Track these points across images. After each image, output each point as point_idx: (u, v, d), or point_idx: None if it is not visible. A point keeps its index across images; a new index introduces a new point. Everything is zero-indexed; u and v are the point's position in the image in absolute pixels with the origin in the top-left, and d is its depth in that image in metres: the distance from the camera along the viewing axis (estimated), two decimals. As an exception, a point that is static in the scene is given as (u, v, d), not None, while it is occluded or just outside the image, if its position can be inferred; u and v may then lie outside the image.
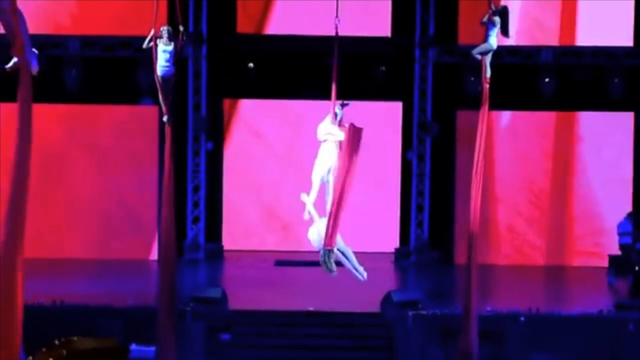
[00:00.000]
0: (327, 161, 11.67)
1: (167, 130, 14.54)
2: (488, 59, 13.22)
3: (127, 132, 21.94)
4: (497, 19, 12.93)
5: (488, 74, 13.27)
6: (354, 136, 11.64)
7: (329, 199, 11.62)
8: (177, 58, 13.87)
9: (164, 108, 14.17)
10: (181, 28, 13.82)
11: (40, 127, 21.40)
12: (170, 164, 14.68)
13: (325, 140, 11.78)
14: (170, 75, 13.86)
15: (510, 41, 16.13)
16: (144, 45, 13.79)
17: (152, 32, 13.64)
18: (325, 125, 11.80)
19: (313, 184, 11.66)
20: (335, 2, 12.35)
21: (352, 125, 11.66)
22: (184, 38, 13.95)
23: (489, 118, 13.59)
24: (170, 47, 13.74)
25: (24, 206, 11.00)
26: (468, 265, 13.58)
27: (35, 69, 11.00)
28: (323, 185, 11.74)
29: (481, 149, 13.40)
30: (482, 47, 13.07)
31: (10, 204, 10.85)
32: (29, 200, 10.79)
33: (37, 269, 19.30)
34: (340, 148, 11.70)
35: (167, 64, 13.83)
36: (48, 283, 18.15)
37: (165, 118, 14.31)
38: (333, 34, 12.46)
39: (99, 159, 21.94)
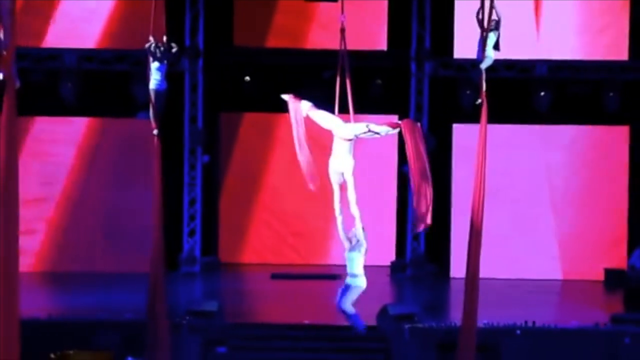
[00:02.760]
0: (343, 159, 11.78)
1: (156, 144, 14.54)
2: (484, 73, 13.31)
3: (125, 146, 21.94)
4: (495, 32, 13.04)
5: (484, 87, 13.37)
6: (416, 129, 11.92)
7: (352, 198, 11.81)
8: (167, 72, 13.93)
9: (153, 122, 14.17)
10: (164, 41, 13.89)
11: (40, 139, 21.71)
12: (159, 177, 14.66)
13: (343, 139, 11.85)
14: (163, 90, 13.92)
15: (506, 55, 16.15)
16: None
17: (148, 46, 13.72)
18: (361, 125, 11.88)
19: (333, 184, 11.81)
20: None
21: (410, 121, 11.89)
22: (172, 52, 13.98)
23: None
24: (163, 62, 13.81)
25: (15, 215, 11.04)
26: (469, 278, 13.56)
27: (17, 84, 11.20)
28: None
29: (482, 162, 13.42)
30: (487, 61, 13.17)
31: (2, 214, 10.89)
32: (24, 213, 10.83)
33: (33, 282, 19.33)
34: (410, 144, 11.87)
35: (160, 78, 13.89)
36: (44, 297, 18.14)
37: (155, 132, 14.32)
38: (331, 47, 12.57)
39: (96, 173, 21.94)
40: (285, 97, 12.35)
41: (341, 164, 11.86)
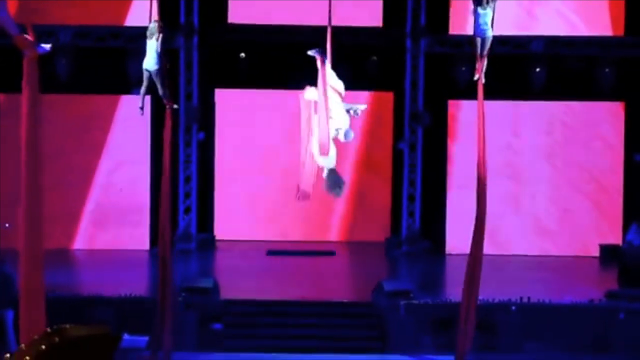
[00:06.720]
0: (342, 117, 11.79)
1: (169, 119, 14.74)
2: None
3: (118, 122, 21.90)
4: (491, 7, 13.01)
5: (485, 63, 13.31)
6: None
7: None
8: (161, 51, 13.95)
9: (167, 97, 14.31)
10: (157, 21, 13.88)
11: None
12: (169, 154, 14.81)
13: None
14: (156, 69, 14.00)
15: (502, 31, 16.08)
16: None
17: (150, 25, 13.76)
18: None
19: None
20: None
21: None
22: (161, 31, 13.98)
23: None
24: (155, 41, 13.83)
25: (40, 190, 11.11)
26: (473, 256, 13.50)
27: (45, 49, 11.23)
28: None
29: (483, 139, 13.35)
30: (489, 39, 13.11)
31: (27, 195, 10.94)
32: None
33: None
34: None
35: (155, 57, 13.94)
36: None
37: (175, 106, 14.59)
38: (324, 24, 12.49)
39: (91, 149, 21.91)
40: (315, 54, 11.93)
41: (340, 121, 11.87)
